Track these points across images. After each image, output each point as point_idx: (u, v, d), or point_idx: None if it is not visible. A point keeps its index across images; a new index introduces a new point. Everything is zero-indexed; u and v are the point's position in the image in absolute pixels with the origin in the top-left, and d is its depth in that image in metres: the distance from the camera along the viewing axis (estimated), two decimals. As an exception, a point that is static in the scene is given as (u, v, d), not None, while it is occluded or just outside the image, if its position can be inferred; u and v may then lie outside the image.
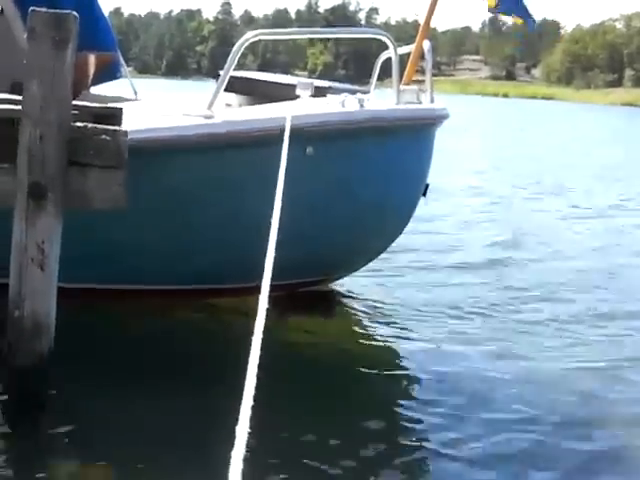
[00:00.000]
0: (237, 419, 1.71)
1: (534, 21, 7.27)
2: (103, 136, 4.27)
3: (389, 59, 6.17)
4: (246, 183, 5.56)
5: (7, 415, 4.28)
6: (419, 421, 4.81)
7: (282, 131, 4.72)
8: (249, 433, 1.68)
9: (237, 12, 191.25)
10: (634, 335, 6.70)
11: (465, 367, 5.67)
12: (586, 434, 4.78)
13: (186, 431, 4.29)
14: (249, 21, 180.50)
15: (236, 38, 6.37)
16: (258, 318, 2.20)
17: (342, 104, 5.87)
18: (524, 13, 7.12)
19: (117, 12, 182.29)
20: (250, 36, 5.61)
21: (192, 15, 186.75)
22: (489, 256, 9.35)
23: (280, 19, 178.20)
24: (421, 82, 6.73)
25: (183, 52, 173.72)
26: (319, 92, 6.34)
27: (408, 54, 6.81)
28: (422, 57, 6.70)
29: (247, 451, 1.62)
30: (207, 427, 4.21)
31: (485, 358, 5.90)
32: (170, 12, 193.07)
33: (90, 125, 4.29)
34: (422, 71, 6.73)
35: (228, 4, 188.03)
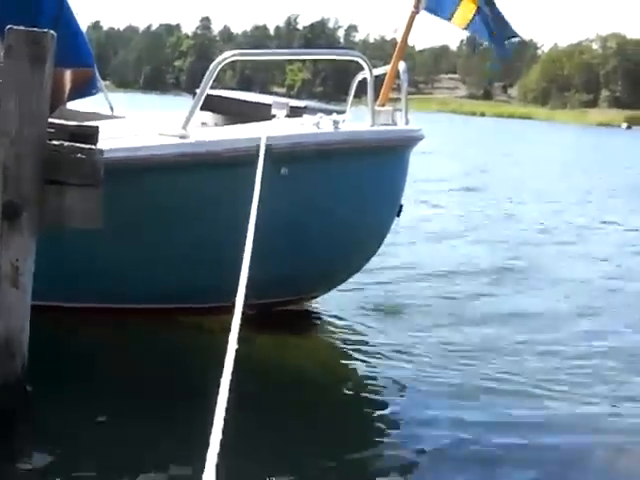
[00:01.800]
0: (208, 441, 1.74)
1: (507, 48, 7.26)
2: (79, 155, 4.27)
3: (365, 79, 6.22)
4: (221, 203, 5.58)
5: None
6: (398, 439, 4.85)
7: (257, 151, 4.76)
8: (221, 454, 1.70)
9: (216, 28, 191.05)
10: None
11: (445, 384, 5.69)
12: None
13: (156, 449, 4.28)
14: (228, 37, 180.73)
15: (215, 54, 6.42)
16: (231, 337, 2.22)
17: (317, 125, 5.90)
18: (495, 40, 7.14)
19: (96, 26, 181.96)
20: (226, 56, 5.65)
21: (171, 30, 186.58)
22: (467, 269, 9.52)
23: (259, 35, 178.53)
24: (397, 100, 6.78)
25: (162, 67, 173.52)
26: (295, 112, 6.39)
27: (384, 74, 6.86)
28: (398, 77, 6.76)
29: (218, 472, 1.64)
30: (177, 446, 4.20)
31: (465, 371, 5.95)
32: (149, 27, 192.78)
33: (66, 144, 4.29)
34: (399, 89, 6.78)
35: (207, 20, 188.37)
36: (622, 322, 7.75)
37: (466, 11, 6.88)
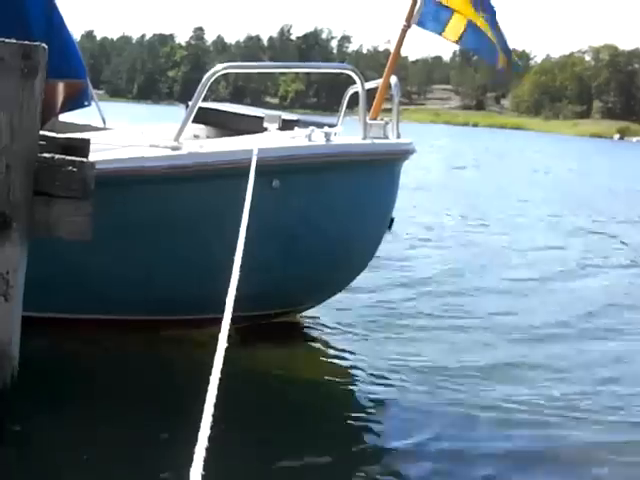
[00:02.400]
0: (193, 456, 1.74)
1: (508, 61, 7.22)
2: (70, 167, 4.27)
3: (357, 92, 6.24)
4: (212, 215, 5.59)
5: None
6: (389, 451, 4.86)
7: (249, 164, 4.77)
8: (207, 466, 1.70)
9: (210, 38, 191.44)
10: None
11: (437, 401, 5.68)
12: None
13: (143, 464, 4.28)
14: (221, 47, 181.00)
15: (208, 64, 6.45)
16: (218, 351, 2.22)
17: (309, 138, 5.92)
18: (490, 54, 7.13)
19: (90, 35, 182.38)
20: (218, 69, 5.68)
21: (165, 40, 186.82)
22: (458, 283, 9.49)
23: (252, 46, 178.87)
24: (390, 111, 6.80)
25: (155, 77, 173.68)
26: (286, 125, 6.39)
27: (376, 87, 6.88)
28: (390, 90, 6.78)
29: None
30: (164, 460, 4.20)
31: (458, 389, 5.93)
32: (143, 36, 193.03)
33: (57, 156, 4.29)
34: (392, 100, 6.80)
35: (201, 30, 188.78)
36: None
37: (458, 25, 6.89)
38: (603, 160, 47.88)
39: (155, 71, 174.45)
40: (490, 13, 6.91)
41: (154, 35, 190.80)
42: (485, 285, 9.61)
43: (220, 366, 2.10)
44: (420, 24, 6.84)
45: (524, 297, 9.18)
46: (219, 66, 5.75)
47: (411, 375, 6.12)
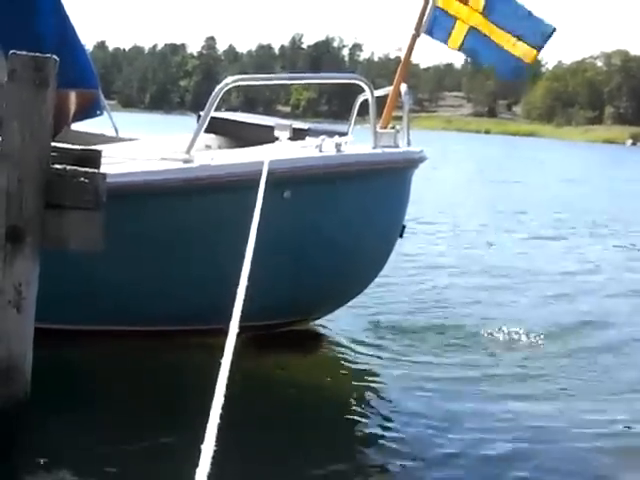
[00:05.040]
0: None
1: (509, 68, 7.15)
2: (82, 179, 4.29)
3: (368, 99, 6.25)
4: (224, 226, 5.60)
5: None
6: (401, 458, 4.85)
7: (260, 175, 4.78)
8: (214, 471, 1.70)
9: (221, 47, 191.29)
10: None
11: (449, 403, 5.68)
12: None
13: (155, 472, 4.28)
14: (233, 57, 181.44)
15: (220, 73, 6.49)
16: (224, 359, 2.22)
17: (319, 148, 5.93)
18: (494, 59, 7.06)
19: (102, 46, 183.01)
20: (229, 82, 5.73)
21: (176, 50, 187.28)
22: (472, 289, 9.49)
23: (264, 55, 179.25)
24: (400, 119, 6.81)
25: (167, 86, 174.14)
26: (297, 134, 6.41)
27: (387, 95, 6.89)
28: (400, 98, 6.79)
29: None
30: (178, 464, 4.19)
31: (469, 392, 5.94)
32: (154, 46, 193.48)
33: (69, 168, 4.30)
34: (402, 108, 6.80)
35: (212, 39, 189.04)
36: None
37: (459, 32, 6.88)
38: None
39: (167, 81, 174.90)
40: (497, 15, 6.85)
41: (166, 45, 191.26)
42: (510, 286, 9.68)
43: (226, 373, 2.10)
44: (428, 33, 6.85)
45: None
46: (230, 79, 5.79)
47: (427, 381, 6.10)
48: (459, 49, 6.97)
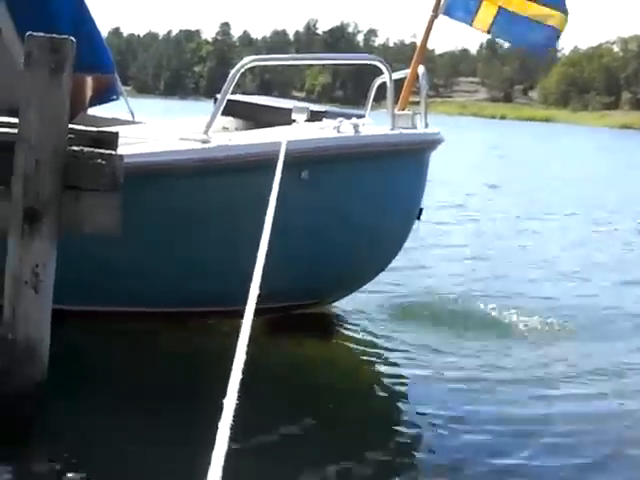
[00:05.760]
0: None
1: (544, 43, 7.08)
2: (99, 160, 4.28)
3: (385, 82, 6.22)
4: (242, 207, 5.59)
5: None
6: (418, 444, 4.83)
7: (277, 156, 4.75)
8: (229, 456, 1.68)
9: (236, 33, 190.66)
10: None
11: (465, 391, 5.67)
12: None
13: (171, 455, 4.27)
14: (248, 42, 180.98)
15: (234, 59, 6.45)
16: (240, 341, 2.20)
17: (337, 129, 5.91)
18: (527, 37, 7.01)
19: (116, 32, 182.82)
20: (246, 62, 5.70)
21: (191, 36, 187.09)
22: (491, 275, 9.49)
23: (278, 41, 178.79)
24: (417, 103, 6.77)
25: (181, 72, 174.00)
26: (315, 116, 6.38)
27: (404, 78, 6.86)
28: (417, 81, 6.75)
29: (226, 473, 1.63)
30: (192, 449, 4.18)
31: (484, 382, 5.88)
32: (169, 32, 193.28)
33: (86, 149, 4.29)
34: (419, 92, 6.76)
35: (227, 25, 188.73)
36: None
37: (487, 14, 6.82)
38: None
39: (181, 67, 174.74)
40: None
41: (180, 31, 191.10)
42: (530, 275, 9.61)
43: (243, 357, 2.08)
44: (448, 14, 6.79)
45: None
46: (247, 59, 5.77)
47: (444, 364, 6.10)
48: (488, 31, 6.91)
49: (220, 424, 1.74)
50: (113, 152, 4.36)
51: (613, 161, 36.76)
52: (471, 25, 6.89)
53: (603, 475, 4.62)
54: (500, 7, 6.79)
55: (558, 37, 7.00)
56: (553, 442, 4.92)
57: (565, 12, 6.85)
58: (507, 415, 5.27)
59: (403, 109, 6.59)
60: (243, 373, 1.94)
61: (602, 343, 7.02)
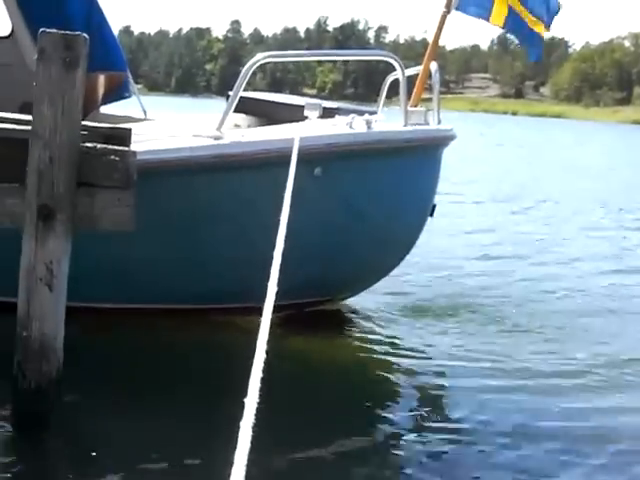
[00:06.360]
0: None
1: (537, 50, 7.21)
2: (112, 157, 4.28)
3: (397, 79, 6.22)
4: (255, 203, 5.60)
5: (13, 435, 4.27)
6: (427, 443, 4.80)
7: (291, 152, 4.75)
8: (251, 453, 1.68)
9: (246, 31, 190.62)
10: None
11: (477, 389, 5.62)
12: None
13: (189, 451, 4.28)
14: (258, 40, 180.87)
15: (245, 57, 6.46)
16: (260, 336, 2.20)
17: (350, 125, 5.91)
18: (528, 40, 7.11)
19: (127, 30, 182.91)
20: (259, 58, 5.70)
21: (202, 34, 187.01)
22: (505, 270, 9.47)
23: (289, 38, 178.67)
24: (429, 100, 6.77)
25: (192, 70, 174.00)
26: (327, 113, 6.38)
27: (416, 75, 6.84)
28: (430, 77, 6.75)
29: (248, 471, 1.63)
30: (210, 446, 4.20)
31: (494, 377, 5.85)
32: (180, 30, 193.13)
33: (99, 146, 4.30)
34: (431, 89, 6.76)
35: (237, 23, 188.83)
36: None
37: (501, 9, 6.85)
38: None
39: (192, 65, 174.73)
40: None
41: (191, 29, 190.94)
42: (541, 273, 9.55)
43: (263, 355, 2.08)
44: (461, 9, 6.79)
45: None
46: (260, 55, 5.77)
47: (457, 362, 6.08)
48: (503, 26, 6.97)
49: (242, 423, 1.74)
50: (126, 148, 4.37)
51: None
52: (488, 20, 6.90)
53: (603, 475, 4.60)
54: (509, 6, 6.85)
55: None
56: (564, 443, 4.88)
57: (547, 27, 6.98)
58: (521, 421, 5.16)
59: (416, 106, 6.57)
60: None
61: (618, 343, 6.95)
